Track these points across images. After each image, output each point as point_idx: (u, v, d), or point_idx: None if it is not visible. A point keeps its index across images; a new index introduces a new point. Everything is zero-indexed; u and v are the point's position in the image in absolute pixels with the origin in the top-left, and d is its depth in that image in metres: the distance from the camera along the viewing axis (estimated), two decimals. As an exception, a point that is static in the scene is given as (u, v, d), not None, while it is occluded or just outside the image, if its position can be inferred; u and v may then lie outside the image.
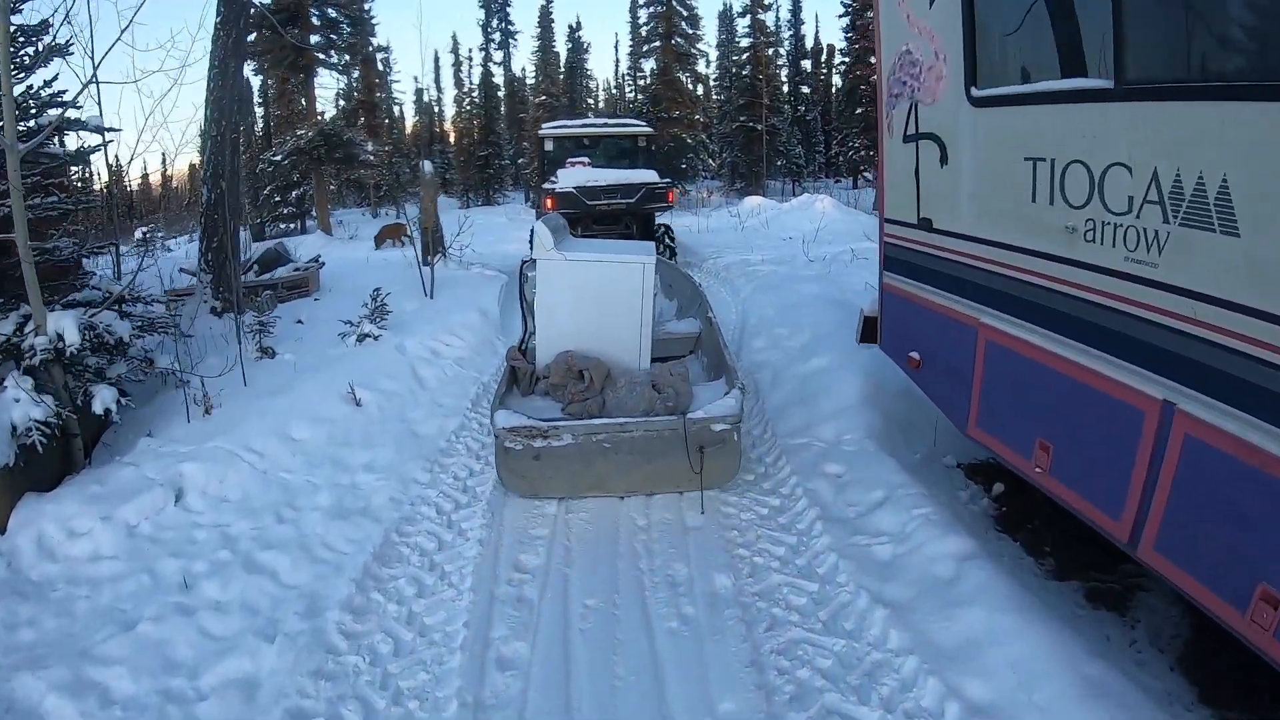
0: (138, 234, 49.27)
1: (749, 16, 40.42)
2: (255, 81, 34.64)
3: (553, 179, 16.43)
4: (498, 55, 48.92)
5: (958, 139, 5.06)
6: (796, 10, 48.54)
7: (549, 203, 15.44)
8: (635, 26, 42.78)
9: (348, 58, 31.87)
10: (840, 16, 42.04)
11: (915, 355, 5.94)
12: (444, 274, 14.43)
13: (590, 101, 46.85)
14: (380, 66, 48.13)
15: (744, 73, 40.89)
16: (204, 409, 7.80)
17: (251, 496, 6.45)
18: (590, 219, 15.97)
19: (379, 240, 22.53)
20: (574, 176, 16.14)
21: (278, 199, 39.71)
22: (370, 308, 10.54)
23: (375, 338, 10.03)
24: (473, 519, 6.18)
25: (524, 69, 47.04)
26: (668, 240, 17.14)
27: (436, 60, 57.92)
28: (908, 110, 5.61)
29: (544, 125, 19.51)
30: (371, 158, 30.61)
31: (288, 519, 6.14)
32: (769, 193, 36.43)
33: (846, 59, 44.70)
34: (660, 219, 17.70)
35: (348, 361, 9.12)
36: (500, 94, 49.63)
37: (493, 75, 49.21)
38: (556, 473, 6.37)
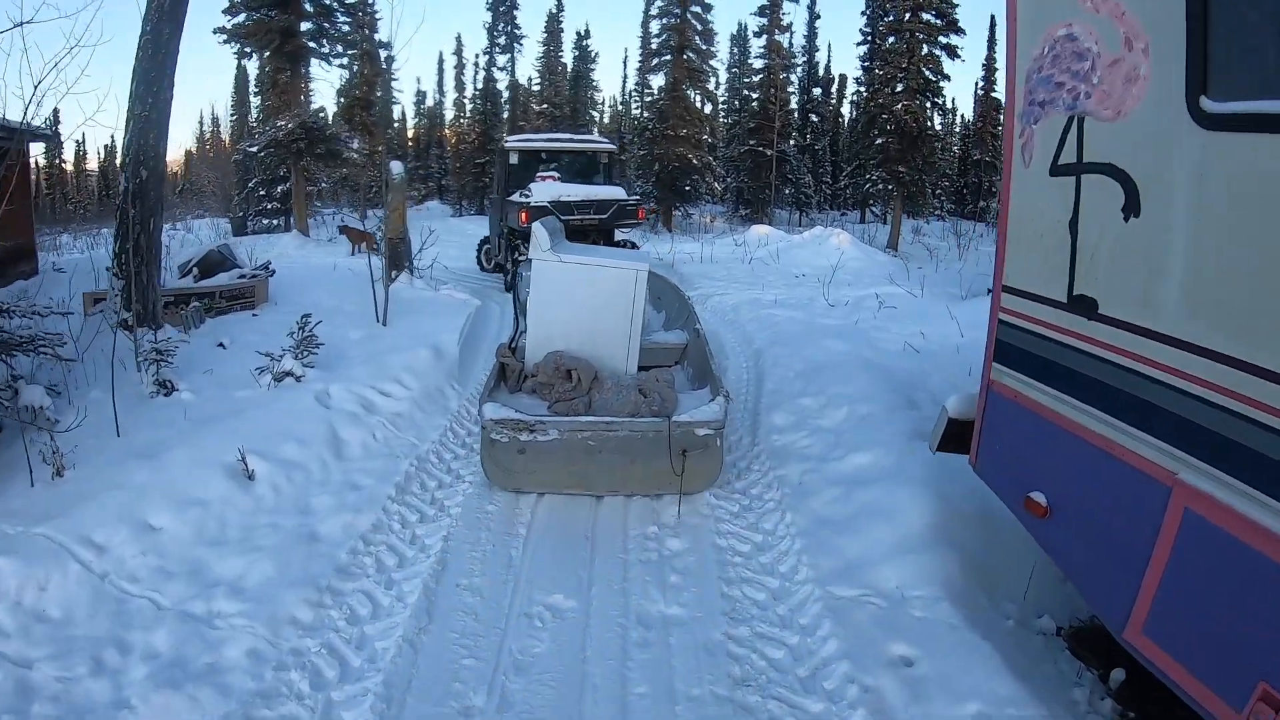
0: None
1: (765, 37, 38.69)
2: (252, 69, 32.95)
3: (526, 192, 16.12)
4: (502, 60, 47.36)
5: (1165, 177, 3.10)
6: (811, 36, 46.91)
7: (524, 216, 15.25)
8: (645, 39, 41.03)
9: (340, 48, 29.85)
10: (859, 44, 40.78)
11: (1040, 499, 3.95)
12: (407, 294, 12.79)
13: (594, 114, 44.99)
14: (382, 64, 46.72)
15: (756, 95, 39.18)
16: (54, 469, 5.87)
17: (75, 618, 4.58)
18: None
19: (353, 244, 21.37)
20: (548, 191, 16.08)
21: (263, 193, 38.12)
22: (296, 338, 8.58)
23: (298, 378, 8.16)
24: (359, 706, 4.09)
25: (530, 77, 45.31)
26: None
27: (440, 62, 56.50)
28: (1064, 127, 3.67)
29: (509, 138, 19.62)
30: (356, 155, 28.84)
31: (107, 669, 4.23)
32: (775, 222, 34.72)
33: (862, 87, 43.38)
34: (626, 235, 17.93)
35: (254, 411, 7.27)
36: (504, 99, 47.99)
37: (495, 80, 47.70)
38: (540, 467, 6.55)
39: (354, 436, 7.30)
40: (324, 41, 29.42)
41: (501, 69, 46.86)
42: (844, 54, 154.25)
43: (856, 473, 6.60)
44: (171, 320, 10.20)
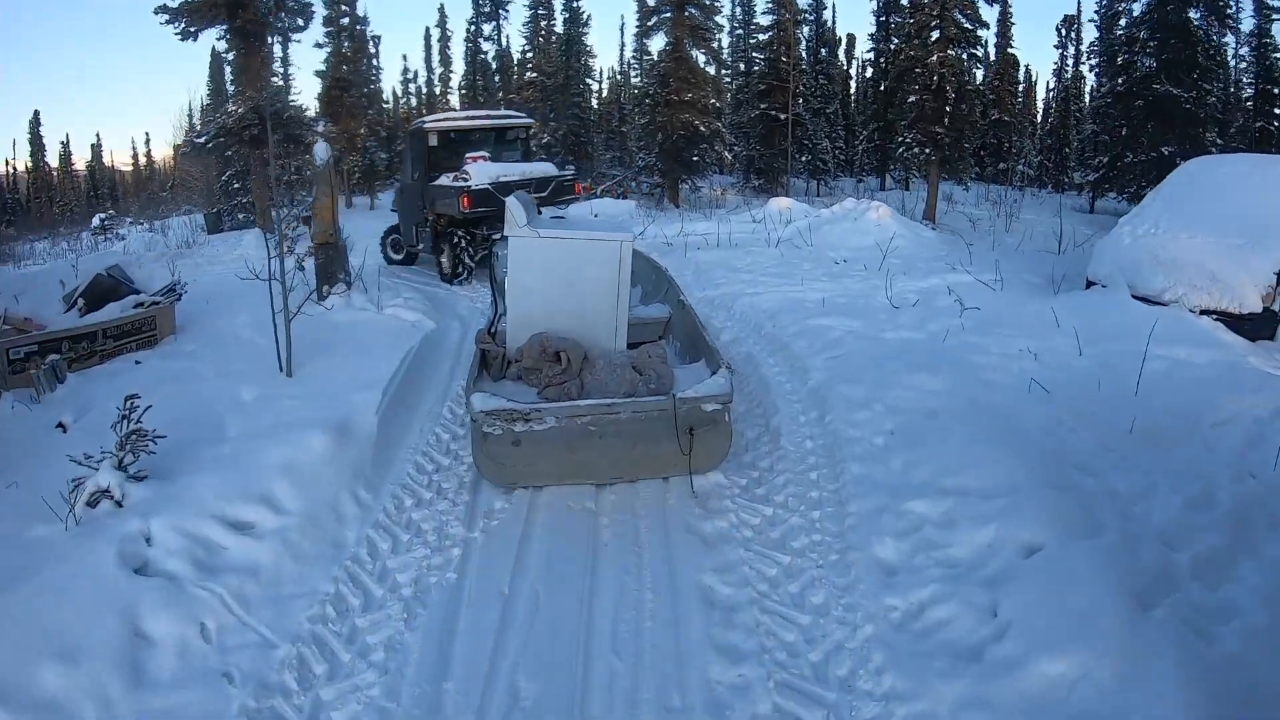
0: (95, 220, 45.22)
1: (772, -12, 35.54)
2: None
3: (463, 175, 15.24)
4: (489, 29, 44.32)
5: None
6: (819, -4, 43.67)
7: (465, 201, 14.66)
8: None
9: (300, 21, 26.96)
10: None
11: None
12: (341, 318, 10.47)
13: (589, 82, 41.65)
14: (358, 40, 44.23)
15: (764, 55, 36.04)
16: None
17: None
18: (499, 220, 13.72)
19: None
20: (484, 172, 15.27)
21: (236, 185, 35.43)
22: (121, 433, 5.61)
23: (118, 501, 5.26)
24: None
25: (522, 45, 41.99)
26: None
27: (427, 37, 53.34)
28: None
29: (425, 119, 18.23)
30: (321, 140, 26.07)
31: None
32: (792, 192, 31.63)
33: (877, 44, 40.27)
34: (557, 211, 15.27)
35: (22, 582, 4.44)
36: (493, 70, 44.94)
37: (483, 52, 44.71)
38: (537, 459, 6.26)
39: (168, 632, 4.37)
40: (283, 16, 26.28)
41: (489, 39, 43.98)
42: (850, 13, 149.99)
43: (1056, 704, 3.65)
44: (20, 382, 8.41)
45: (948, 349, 8.62)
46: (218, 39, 25.33)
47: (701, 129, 30.70)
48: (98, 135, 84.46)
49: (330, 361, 8.65)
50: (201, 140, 25.19)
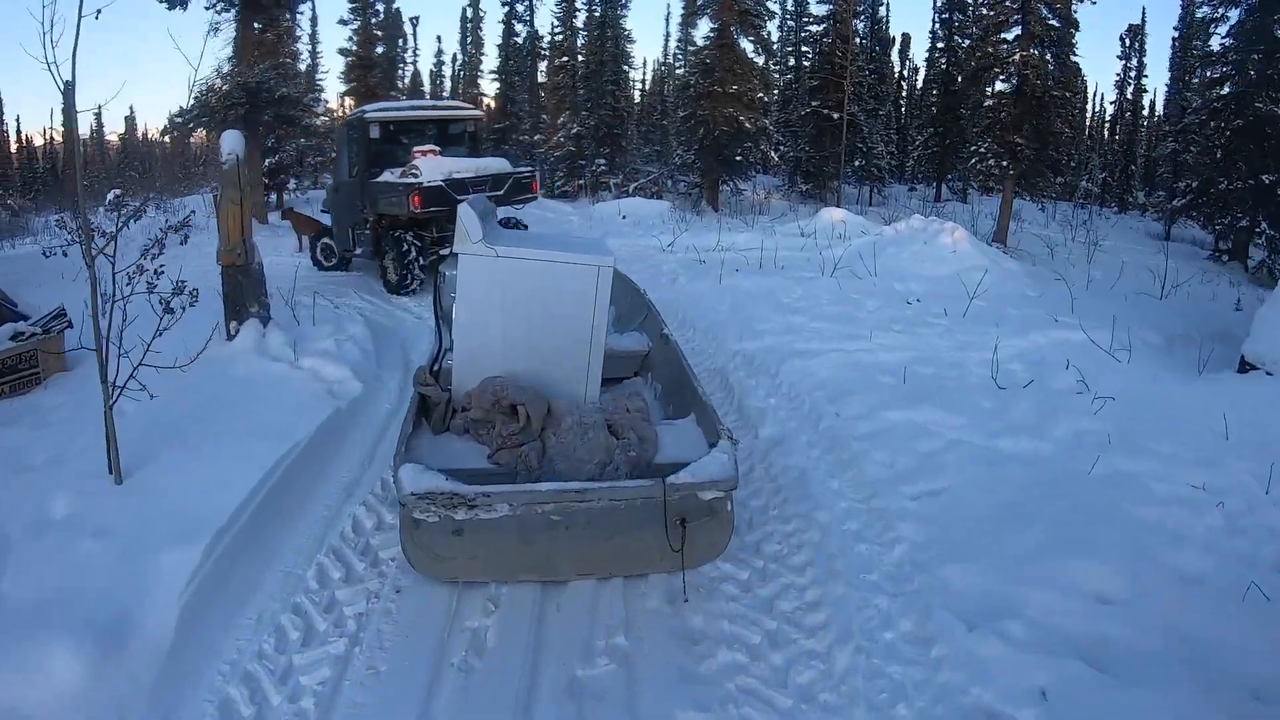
0: (110, 195, 43.59)
1: (830, -24, 32.73)
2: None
3: (412, 170, 13.94)
4: (522, 8, 41.83)
5: None
6: (876, -13, 40.78)
7: (416, 200, 13.42)
8: (689, -19, 35.02)
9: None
10: None
11: None
12: (240, 370, 8.10)
13: (626, 69, 38.80)
14: (392, 19, 42.37)
15: (818, 47, 33.26)
16: None
17: None
18: (447, 220, 13.47)
19: (299, 235, 18.39)
20: (436, 167, 14.04)
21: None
22: None
23: None
24: None
25: (553, 27, 39.34)
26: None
27: (464, 18, 50.95)
28: None
29: (365, 108, 16.52)
30: (320, 121, 24.08)
31: None
32: (843, 200, 28.86)
33: (939, 43, 37.43)
34: (513, 212, 15.90)
35: None
36: (524, 54, 42.52)
37: (516, 35, 42.21)
38: (485, 551, 5.05)
39: None
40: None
41: (522, 20, 41.49)
42: (902, 11, 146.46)
43: None
44: None
45: (1094, 485, 5.82)
46: (207, 7, 22.96)
47: (746, 125, 27.87)
48: (131, 108, 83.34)
49: (192, 452, 6.19)
50: (180, 120, 23.16)
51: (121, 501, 5.49)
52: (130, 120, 79.53)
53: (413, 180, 13.70)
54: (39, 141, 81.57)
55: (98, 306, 5.73)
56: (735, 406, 8.01)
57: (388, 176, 14.40)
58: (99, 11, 5.28)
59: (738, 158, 28.53)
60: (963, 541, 5.12)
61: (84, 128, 78.61)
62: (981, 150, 22.07)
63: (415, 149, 14.79)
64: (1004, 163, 21.46)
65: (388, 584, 5.10)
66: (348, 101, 35.81)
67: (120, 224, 6.17)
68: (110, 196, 46.02)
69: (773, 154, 29.90)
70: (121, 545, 4.94)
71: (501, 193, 14.60)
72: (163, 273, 6.15)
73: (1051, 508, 5.41)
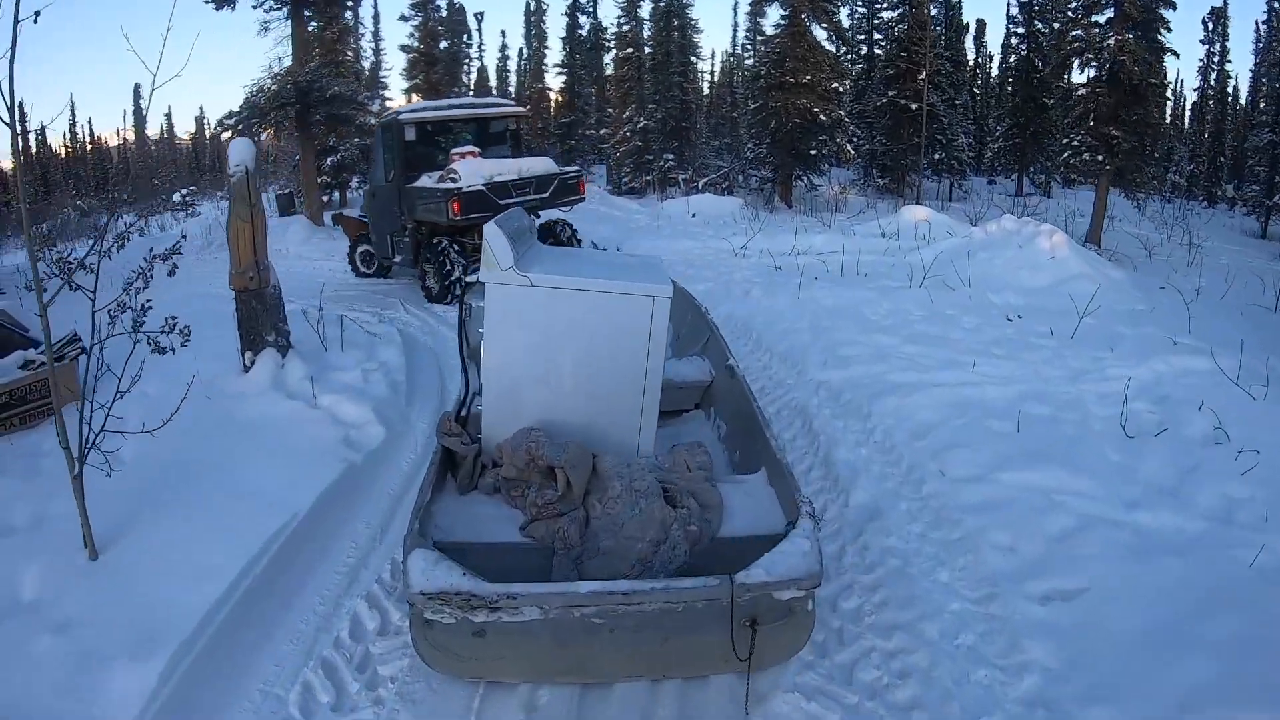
0: (176, 196, 43.90)
1: (903, -41, 31.47)
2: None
3: (451, 174, 13.36)
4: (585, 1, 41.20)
5: None
6: (950, -27, 39.27)
7: (456, 206, 12.76)
8: (759, -34, 33.88)
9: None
10: None
11: None
12: (252, 411, 7.40)
13: (693, 60, 37.66)
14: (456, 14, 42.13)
15: (894, 34, 32.02)
16: None
17: None
18: None
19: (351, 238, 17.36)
20: (475, 170, 13.40)
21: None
22: None
23: None
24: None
25: (617, 17, 38.46)
26: (574, 238, 15.79)
27: (528, 11, 50.40)
28: None
29: (400, 110, 16.24)
30: (374, 120, 23.65)
31: None
32: (923, 195, 27.65)
33: (1019, 28, 35.88)
34: (562, 214, 15.81)
35: None
36: (588, 46, 41.83)
37: (579, 27, 41.50)
38: (510, 653, 4.05)
39: None
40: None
41: (586, 12, 40.75)
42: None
43: None
44: None
45: (1262, 585, 4.66)
46: (254, 5, 23.03)
47: (820, 117, 26.73)
48: (200, 108, 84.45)
49: (178, 522, 5.40)
50: (231, 121, 22.53)
51: (92, 584, 4.77)
52: (200, 120, 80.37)
53: (451, 185, 13.08)
54: (113, 142, 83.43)
55: (51, 362, 5.03)
56: (821, 458, 6.83)
57: (425, 181, 13.86)
58: (37, 15, 4.47)
59: (811, 151, 27.37)
60: (1110, 673, 4.05)
61: (154, 127, 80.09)
62: (1075, 143, 20.74)
63: (454, 151, 14.24)
64: (1099, 156, 20.11)
65: (384, 714, 4.14)
66: (413, 98, 35.33)
67: (101, 249, 5.37)
68: (178, 197, 46.28)
69: (848, 147, 28.67)
70: (80, 648, 4.21)
71: (547, 195, 14.17)
72: (150, 307, 5.42)
73: (1217, 626, 4.28)
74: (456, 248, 13.23)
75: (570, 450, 4.95)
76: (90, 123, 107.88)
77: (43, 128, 74.93)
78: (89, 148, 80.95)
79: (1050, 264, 12.52)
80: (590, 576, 4.29)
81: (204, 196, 50.07)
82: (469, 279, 5.52)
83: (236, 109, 22.15)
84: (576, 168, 16.28)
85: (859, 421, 7.33)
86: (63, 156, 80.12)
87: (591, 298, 5.25)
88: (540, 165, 14.64)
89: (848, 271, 13.44)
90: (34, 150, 77.84)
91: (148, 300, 5.42)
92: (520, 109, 17.12)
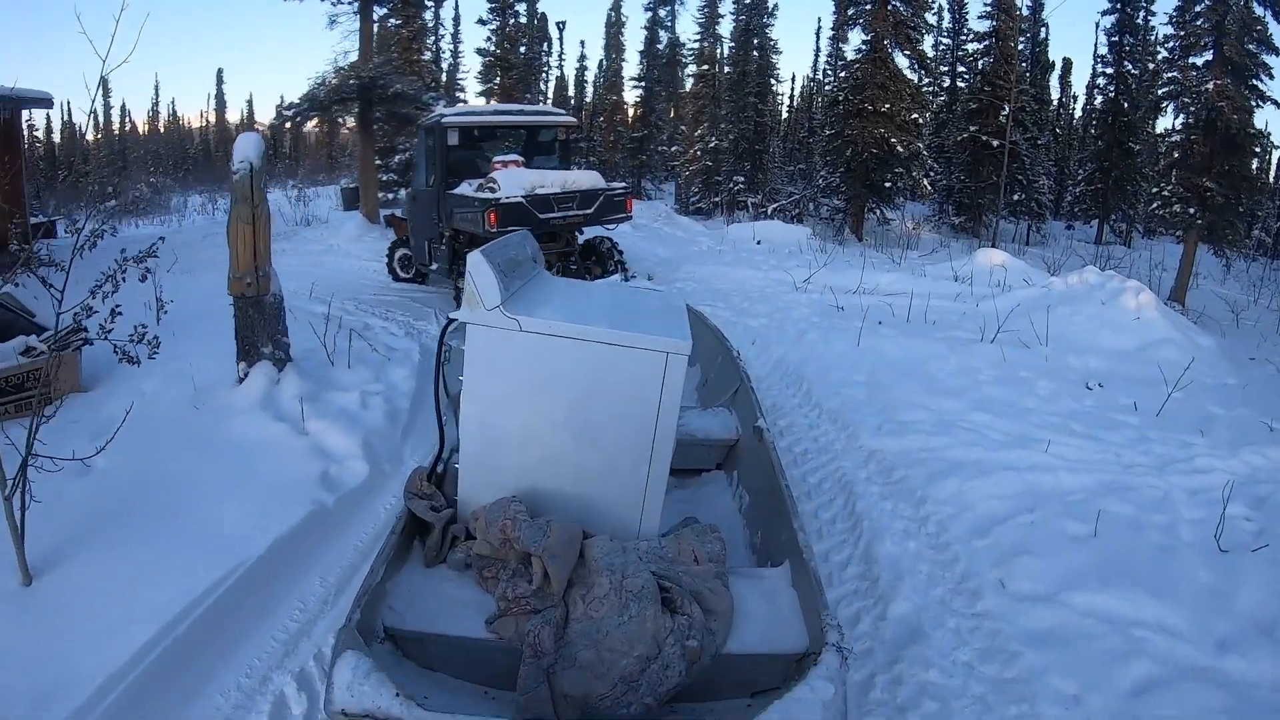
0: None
1: (992, -10, 30.47)
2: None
3: (490, 184, 12.80)
4: (664, 13, 40.70)
5: None
6: (1036, 8, 38.02)
7: (493, 217, 12.13)
8: (841, -12, 33.18)
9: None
10: (1104, 13, 32.43)
11: None
12: (235, 429, 6.93)
13: (771, 81, 36.88)
14: (537, 20, 42.02)
15: (978, 67, 31.04)
16: None
17: None
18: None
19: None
20: (516, 180, 12.86)
21: (378, 162, 33.06)
22: None
23: None
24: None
25: (695, 33, 37.94)
26: (617, 259, 15.04)
27: (609, 22, 50.01)
28: None
29: (443, 112, 15.25)
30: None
31: None
32: (999, 236, 26.59)
33: (1108, 68, 34.57)
34: (607, 230, 15.18)
35: None
36: (666, 61, 41.32)
37: (658, 41, 40.97)
38: None
39: None
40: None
41: (664, 26, 40.28)
42: (1063, 34, 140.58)
43: None
44: None
45: None
46: None
47: (898, 148, 25.83)
48: (281, 97, 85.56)
49: (119, 555, 5.01)
50: (290, 112, 22.69)
51: (18, 614, 4.52)
52: (280, 108, 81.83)
53: (489, 195, 12.52)
54: (196, 124, 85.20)
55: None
56: (861, 550, 5.87)
57: (465, 189, 13.28)
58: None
59: (886, 183, 26.46)
60: None
61: (234, 114, 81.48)
62: (1164, 193, 19.64)
63: (496, 159, 13.83)
64: (1189, 209, 18.98)
65: None
66: (490, 103, 35.23)
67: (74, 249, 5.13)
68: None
69: (925, 181, 27.70)
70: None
71: (590, 211, 13.59)
72: (120, 313, 4.94)
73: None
74: None
75: (553, 534, 4.14)
76: (174, 103, 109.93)
77: (121, 105, 76.57)
78: (167, 127, 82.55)
79: (1135, 325, 11.52)
80: (563, 692, 3.61)
81: (276, 183, 50.70)
82: (452, 314, 4.67)
83: (296, 100, 22.02)
84: (624, 184, 15.63)
85: (911, 506, 6.38)
86: (144, 133, 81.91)
87: (592, 349, 4.43)
88: (586, 179, 14.07)
89: (915, 317, 12.53)
90: (115, 126, 79.86)
91: (117, 306, 5.22)
92: (570, 119, 16.49)
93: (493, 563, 4.25)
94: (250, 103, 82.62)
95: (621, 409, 4.48)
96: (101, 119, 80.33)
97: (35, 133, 72.03)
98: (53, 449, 5.17)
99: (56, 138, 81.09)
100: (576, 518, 4.41)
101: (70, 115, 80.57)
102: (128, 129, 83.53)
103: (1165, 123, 19.91)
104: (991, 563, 5.45)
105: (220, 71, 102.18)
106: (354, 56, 23.10)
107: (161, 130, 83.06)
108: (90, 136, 77.59)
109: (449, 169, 13.94)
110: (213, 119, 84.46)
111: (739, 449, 6.33)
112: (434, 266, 14.78)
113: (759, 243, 21.74)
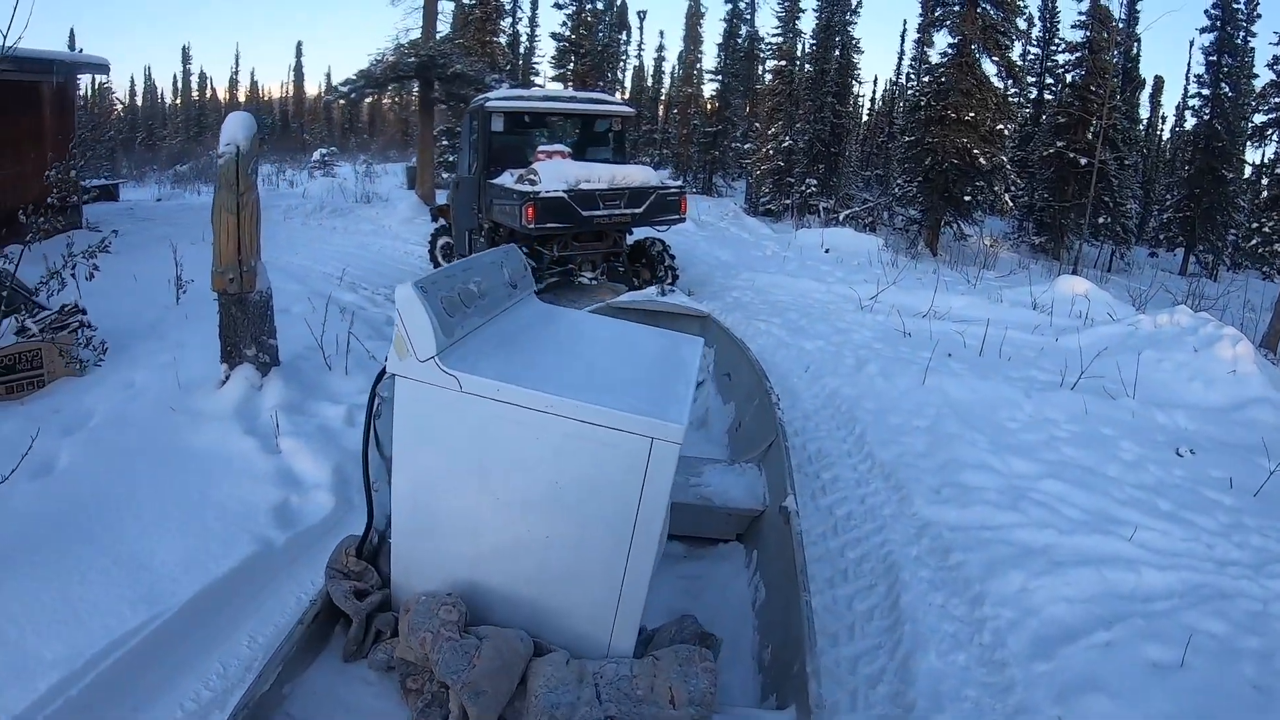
0: (316, 154, 44.22)
1: (1087, -1, 29.25)
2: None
3: (530, 175, 11.97)
4: (744, 5, 39.88)
5: None
6: (1131, 21, 36.56)
7: (530, 212, 11.39)
8: (926, -12, 32.11)
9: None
10: (1202, 30, 31.08)
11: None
12: (205, 439, 6.43)
13: (851, 81, 35.74)
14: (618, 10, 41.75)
15: (1067, 80, 29.82)
16: None
17: None
18: (573, 238, 12.82)
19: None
20: (558, 173, 12.00)
21: (445, 143, 32.90)
22: None
23: None
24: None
25: (774, 27, 37.05)
26: (668, 264, 13.82)
27: (689, 14, 49.34)
28: None
29: (488, 96, 14.19)
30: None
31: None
32: (1082, 260, 25.39)
33: (1203, 89, 33.14)
34: (659, 232, 13.93)
35: None
36: (744, 55, 40.47)
37: (737, 35, 40.12)
38: None
39: None
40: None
41: (744, 20, 39.46)
42: (1156, 48, 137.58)
43: None
44: None
45: None
46: None
47: (980, 160, 24.69)
48: (357, 70, 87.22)
49: (41, 586, 4.46)
50: (344, 89, 22.44)
51: None
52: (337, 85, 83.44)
53: (528, 188, 11.75)
54: (276, 94, 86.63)
55: None
56: (898, 661, 4.70)
57: (506, 179, 12.59)
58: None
59: (966, 197, 25.32)
60: None
61: (312, 87, 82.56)
62: (1264, 229, 18.39)
63: (540, 149, 13.19)
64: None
65: None
66: (567, 88, 34.96)
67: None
68: (317, 155, 46.62)
69: (1006, 197, 26.50)
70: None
71: (640, 210, 12.70)
72: (84, 312, 4.48)
73: None
74: (531, 257, 11.93)
75: (481, 660, 3.21)
76: (253, 73, 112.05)
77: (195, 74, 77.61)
78: (247, 97, 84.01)
79: (1229, 379, 10.40)
80: None
81: (347, 158, 51.00)
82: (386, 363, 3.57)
83: (349, 83, 21.65)
84: (679, 184, 14.69)
85: (965, 604, 5.28)
86: (224, 101, 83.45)
87: (553, 424, 3.34)
88: (638, 175, 13.13)
89: (988, 350, 11.49)
90: (194, 93, 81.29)
91: (75, 303, 5.11)
92: (627, 109, 15.54)
93: (419, 671, 3.39)
94: (329, 76, 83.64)
95: (593, 500, 3.45)
96: (180, 85, 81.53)
97: (115, 96, 73.39)
98: (23, 441, 5.19)
99: (139, 100, 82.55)
100: (531, 624, 3.56)
101: (151, 78, 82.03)
102: (208, 96, 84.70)
103: (1264, 152, 18.70)
104: (1053, 697, 4.40)
105: (300, 44, 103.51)
106: (416, 34, 22.65)
107: (241, 99, 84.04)
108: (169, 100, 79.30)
109: (492, 156, 13.33)
110: (291, 90, 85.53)
111: (763, 522, 5.35)
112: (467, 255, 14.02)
113: (827, 251, 20.82)
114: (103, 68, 18.14)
